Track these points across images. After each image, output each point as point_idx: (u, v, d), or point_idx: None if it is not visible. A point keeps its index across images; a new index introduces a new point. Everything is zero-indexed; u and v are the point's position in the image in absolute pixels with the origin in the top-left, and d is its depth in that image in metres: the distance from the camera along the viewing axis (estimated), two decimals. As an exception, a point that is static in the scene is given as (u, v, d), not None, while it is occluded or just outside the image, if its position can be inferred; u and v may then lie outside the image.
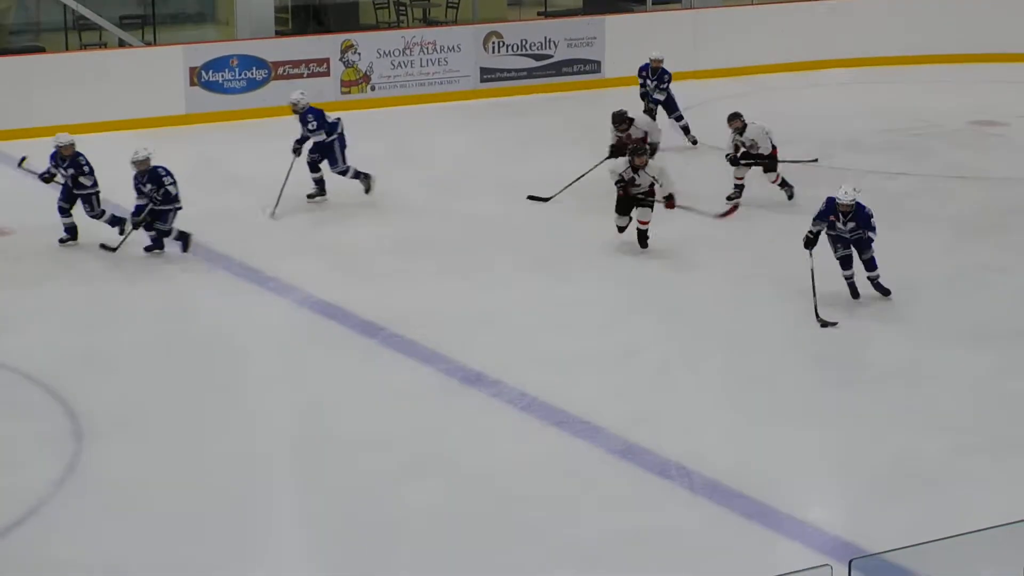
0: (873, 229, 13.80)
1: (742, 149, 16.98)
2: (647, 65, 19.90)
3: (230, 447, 11.32)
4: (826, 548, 9.79)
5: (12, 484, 10.74)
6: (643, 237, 15.50)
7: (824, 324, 13.42)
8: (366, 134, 18.90)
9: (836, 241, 13.91)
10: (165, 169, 15.36)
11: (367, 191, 17.50)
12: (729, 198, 16.99)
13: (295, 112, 17.25)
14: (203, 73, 21.62)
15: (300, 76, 21.91)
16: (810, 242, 13.80)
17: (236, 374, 12.82)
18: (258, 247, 15.87)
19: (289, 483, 11.03)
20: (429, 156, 20.05)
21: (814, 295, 13.57)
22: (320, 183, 17.43)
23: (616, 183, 15.35)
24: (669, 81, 19.75)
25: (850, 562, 8.05)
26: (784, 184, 17.19)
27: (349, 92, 22.47)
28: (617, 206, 15.50)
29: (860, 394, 12.27)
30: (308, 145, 17.27)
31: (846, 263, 14.01)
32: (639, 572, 9.64)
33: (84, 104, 20.55)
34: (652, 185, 15.27)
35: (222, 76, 21.74)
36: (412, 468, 10.98)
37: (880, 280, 14.12)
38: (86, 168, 15.66)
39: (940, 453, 11.14)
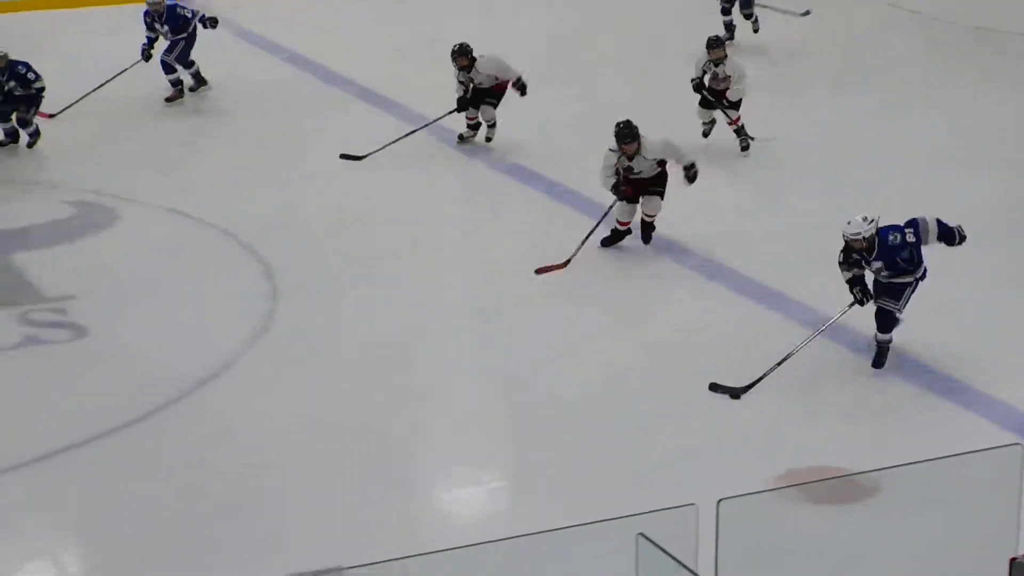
0: (903, 269, 10.16)
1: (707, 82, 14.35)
2: None
3: (417, 310, 11.47)
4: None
5: (210, 339, 11.06)
6: (648, 231, 12.49)
7: (716, 388, 10.11)
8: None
9: (874, 287, 10.41)
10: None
11: (192, 90, 16.50)
12: (705, 135, 14.62)
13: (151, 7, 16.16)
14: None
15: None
16: (853, 283, 10.32)
17: (424, 240, 12.98)
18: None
19: (480, 341, 11.16)
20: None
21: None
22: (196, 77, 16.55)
23: (612, 188, 12.18)
24: None
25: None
26: (742, 132, 14.51)
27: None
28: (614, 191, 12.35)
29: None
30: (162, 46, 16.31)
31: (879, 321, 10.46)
32: (822, 448, 9.59)
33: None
34: (660, 166, 12.19)
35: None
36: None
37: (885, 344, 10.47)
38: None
39: None
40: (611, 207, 12.35)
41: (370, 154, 14.32)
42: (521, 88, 14.35)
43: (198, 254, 12.61)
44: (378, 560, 6.51)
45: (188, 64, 16.35)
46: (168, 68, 16.22)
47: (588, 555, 6.79)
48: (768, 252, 12.26)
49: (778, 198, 13.70)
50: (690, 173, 12.17)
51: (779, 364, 10.06)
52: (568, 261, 11.97)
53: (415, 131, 14.58)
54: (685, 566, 6.27)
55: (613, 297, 11.76)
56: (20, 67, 14.68)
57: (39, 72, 14.78)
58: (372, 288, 12.04)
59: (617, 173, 12.06)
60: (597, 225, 12.19)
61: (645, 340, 11.18)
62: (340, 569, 6.25)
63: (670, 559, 6.24)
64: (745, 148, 14.54)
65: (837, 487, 8.73)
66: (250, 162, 14.40)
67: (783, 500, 8.16)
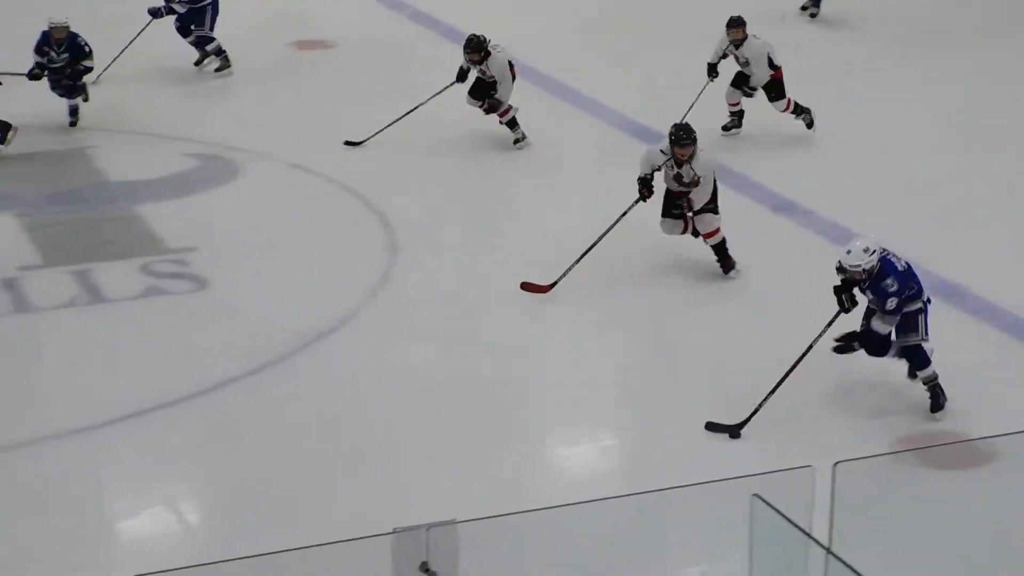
0: (888, 310, 9.18)
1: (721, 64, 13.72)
2: None
3: (534, 268, 11.47)
4: None
5: (329, 293, 11.16)
6: (723, 256, 11.33)
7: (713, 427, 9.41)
8: None
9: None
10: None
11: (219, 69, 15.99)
12: (725, 128, 13.97)
13: None
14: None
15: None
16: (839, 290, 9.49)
17: (543, 197, 13.02)
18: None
19: (601, 298, 11.16)
20: None
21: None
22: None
23: (642, 184, 11.16)
24: None
25: None
26: (799, 110, 13.86)
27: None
28: (662, 208, 11.38)
29: None
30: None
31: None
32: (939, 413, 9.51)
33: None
34: (695, 182, 11.12)
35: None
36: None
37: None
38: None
39: None
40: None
41: (370, 138, 13.79)
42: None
43: (318, 209, 12.72)
44: (491, 515, 6.54)
45: (204, 40, 15.75)
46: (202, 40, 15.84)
47: (702, 515, 6.78)
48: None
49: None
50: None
51: (773, 391, 9.34)
52: (553, 285, 10.97)
53: (416, 108, 13.77)
54: (800, 527, 6.25)
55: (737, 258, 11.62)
56: (80, 40, 14.18)
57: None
58: (492, 246, 12.07)
59: (649, 178, 11.10)
60: (590, 248, 11.00)
61: (764, 303, 11.10)
62: (453, 523, 6.28)
63: (784, 520, 6.22)
64: (810, 125, 13.87)
65: (954, 452, 8.65)
66: (372, 118, 14.45)
67: (899, 464, 8.10)
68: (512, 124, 13.82)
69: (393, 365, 10.15)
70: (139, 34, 15.50)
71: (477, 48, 13.52)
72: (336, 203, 12.81)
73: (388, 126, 13.80)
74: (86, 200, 12.70)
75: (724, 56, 13.64)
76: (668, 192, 11.25)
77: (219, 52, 15.83)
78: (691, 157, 10.96)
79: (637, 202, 11.12)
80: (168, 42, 15.50)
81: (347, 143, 13.89)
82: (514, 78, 13.68)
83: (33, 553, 8.18)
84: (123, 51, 15.39)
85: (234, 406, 9.71)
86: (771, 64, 13.49)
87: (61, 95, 14.26)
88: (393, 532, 6.20)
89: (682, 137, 10.93)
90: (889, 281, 9.05)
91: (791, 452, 8.13)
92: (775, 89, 13.63)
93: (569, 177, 13.39)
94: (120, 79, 15.09)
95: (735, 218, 11.54)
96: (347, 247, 11.94)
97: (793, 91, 13.68)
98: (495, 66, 13.58)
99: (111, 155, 13.60)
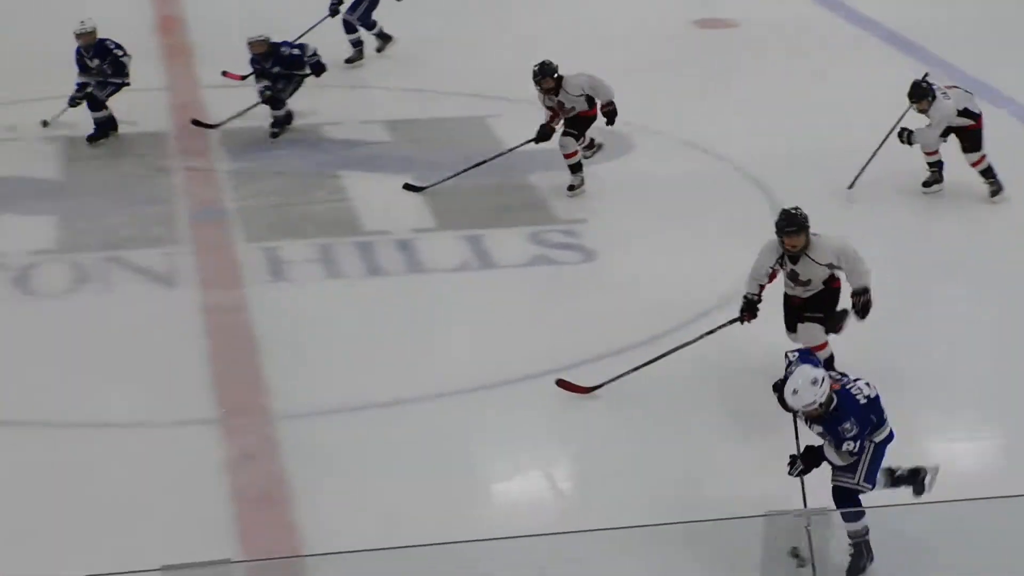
0: (849, 451, 7.49)
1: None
2: None
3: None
4: None
5: (715, 271, 10.99)
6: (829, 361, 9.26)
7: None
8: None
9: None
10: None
11: (378, 50, 15.98)
12: (926, 184, 12.33)
13: None
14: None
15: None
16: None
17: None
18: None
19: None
20: None
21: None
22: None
23: (746, 306, 9.33)
24: None
25: None
26: (989, 174, 12.21)
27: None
28: (784, 317, 9.52)
29: None
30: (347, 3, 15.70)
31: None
32: None
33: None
34: (829, 280, 9.24)
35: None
36: None
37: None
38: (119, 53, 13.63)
39: None
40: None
41: (434, 184, 12.60)
42: (609, 115, 12.18)
43: (708, 186, 12.66)
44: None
45: (370, 26, 15.85)
46: (349, 27, 15.82)
47: None
48: None
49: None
50: (860, 300, 9.13)
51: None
52: (594, 388, 9.43)
53: (487, 160, 12.63)
54: None
55: None
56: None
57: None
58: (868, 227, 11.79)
59: (769, 278, 9.28)
60: (653, 360, 9.46)
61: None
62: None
63: None
64: (995, 193, 12.22)
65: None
66: (767, 99, 14.32)
67: None
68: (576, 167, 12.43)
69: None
70: None
71: (547, 72, 12.03)
72: (726, 182, 12.76)
73: (454, 175, 12.56)
74: (484, 167, 12.97)
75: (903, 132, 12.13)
76: (787, 298, 9.44)
77: (358, 44, 15.81)
78: (807, 245, 9.07)
79: (733, 322, 9.42)
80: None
81: (407, 187, 12.68)
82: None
83: (404, 510, 8.36)
84: None
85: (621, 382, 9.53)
86: (968, 114, 11.97)
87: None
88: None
89: (783, 225, 9.02)
90: (847, 425, 7.41)
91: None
92: (971, 140, 12.14)
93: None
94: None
95: None
96: (734, 226, 11.77)
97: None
98: (573, 88, 12.11)
99: (510, 124, 13.85)
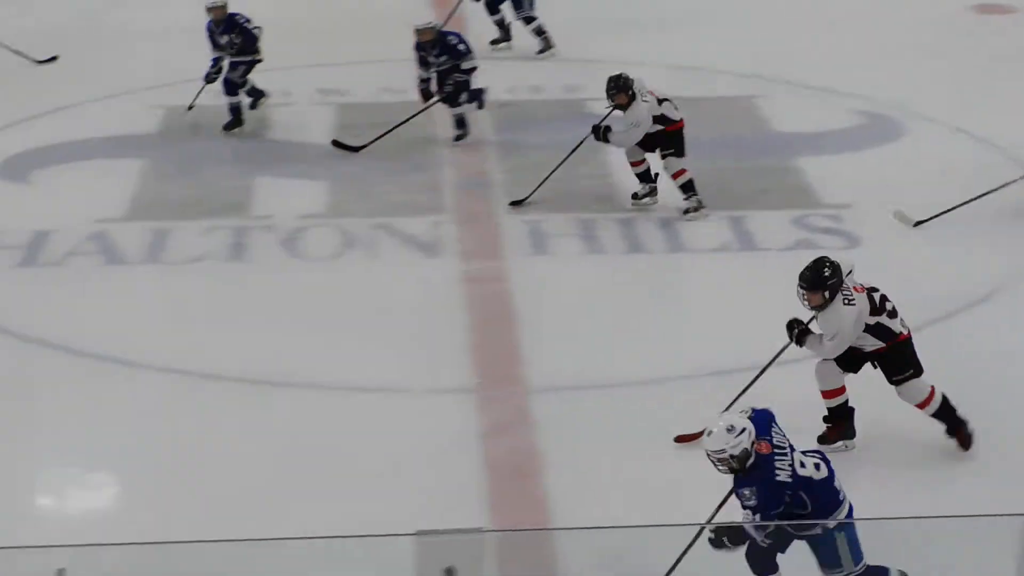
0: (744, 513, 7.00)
1: None
2: None
3: None
4: None
5: (972, 267, 10.80)
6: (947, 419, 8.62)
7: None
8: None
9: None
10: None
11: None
12: None
13: None
14: None
15: None
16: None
17: None
18: None
19: None
20: None
21: None
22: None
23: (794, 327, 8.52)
24: None
25: None
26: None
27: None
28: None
29: None
30: None
31: None
32: None
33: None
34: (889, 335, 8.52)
35: None
36: None
37: None
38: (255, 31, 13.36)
39: None
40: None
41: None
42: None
43: (980, 176, 12.28)
44: None
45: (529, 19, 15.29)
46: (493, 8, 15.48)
47: None
48: None
49: None
50: (795, 333, 8.48)
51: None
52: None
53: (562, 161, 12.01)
54: None
55: None
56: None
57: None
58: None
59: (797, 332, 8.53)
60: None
61: None
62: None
63: None
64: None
65: None
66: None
67: None
68: (687, 187, 11.68)
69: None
70: None
71: (622, 88, 11.32)
72: (999, 172, 12.36)
73: (542, 182, 12.01)
74: (748, 148, 12.85)
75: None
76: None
77: (505, 34, 15.52)
78: (822, 306, 8.30)
79: (787, 347, 8.65)
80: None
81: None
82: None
83: (652, 487, 8.34)
84: None
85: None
86: None
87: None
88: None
89: (814, 281, 8.25)
90: (747, 492, 6.84)
91: None
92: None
93: None
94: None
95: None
96: (1005, 218, 11.44)
97: None
98: (632, 116, 11.41)
99: (778, 106, 13.68)
